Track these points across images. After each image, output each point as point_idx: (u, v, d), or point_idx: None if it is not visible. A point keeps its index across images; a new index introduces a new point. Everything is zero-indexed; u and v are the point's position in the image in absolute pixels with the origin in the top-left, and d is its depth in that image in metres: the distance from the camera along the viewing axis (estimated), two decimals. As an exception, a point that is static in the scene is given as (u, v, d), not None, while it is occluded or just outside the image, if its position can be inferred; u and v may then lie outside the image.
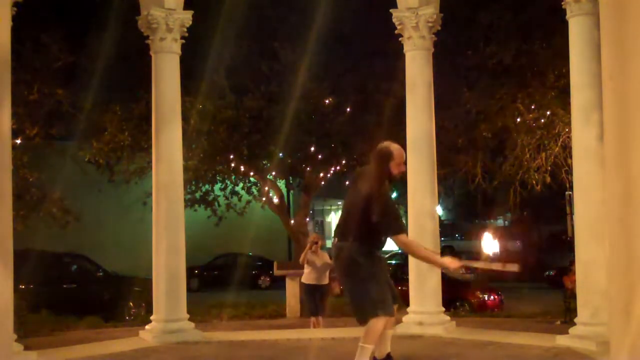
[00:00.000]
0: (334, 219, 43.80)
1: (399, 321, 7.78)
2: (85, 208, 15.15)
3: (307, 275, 10.56)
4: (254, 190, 16.48)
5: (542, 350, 7.07)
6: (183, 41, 8.36)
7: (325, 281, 10.61)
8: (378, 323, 5.43)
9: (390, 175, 5.59)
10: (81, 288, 14.58)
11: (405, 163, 5.72)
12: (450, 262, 5.54)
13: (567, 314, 12.09)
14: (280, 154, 15.14)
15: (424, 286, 8.31)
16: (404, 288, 11.97)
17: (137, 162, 15.17)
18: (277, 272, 14.08)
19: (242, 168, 15.65)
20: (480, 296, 17.09)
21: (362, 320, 5.49)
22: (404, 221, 5.62)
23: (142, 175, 15.12)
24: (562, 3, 7.53)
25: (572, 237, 8.48)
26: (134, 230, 17.17)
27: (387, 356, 5.86)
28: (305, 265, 10.55)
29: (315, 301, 10.54)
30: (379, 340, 5.68)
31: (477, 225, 41.25)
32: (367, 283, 5.49)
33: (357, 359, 5.41)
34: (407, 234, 5.69)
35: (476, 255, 5.88)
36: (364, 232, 5.50)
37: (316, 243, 10.60)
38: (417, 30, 8.39)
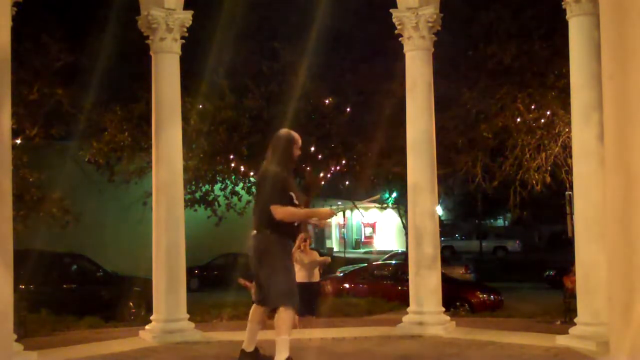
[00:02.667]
0: (333, 218, 43.82)
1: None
2: (85, 208, 15.14)
3: (297, 274, 10.59)
4: (254, 190, 16.49)
5: (542, 350, 7.06)
6: (183, 41, 8.36)
7: (316, 279, 10.62)
8: (285, 313, 5.74)
9: (293, 158, 6.04)
10: (81, 288, 14.55)
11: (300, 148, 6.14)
12: (323, 211, 6.16)
13: (567, 314, 12.08)
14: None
15: (424, 286, 8.29)
16: (404, 288, 12.00)
17: (137, 162, 15.18)
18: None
19: (242, 168, 15.64)
20: (481, 296, 17.10)
21: (271, 309, 5.91)
22: (289, 198, 5.80)
23: (142, 175, 15.13)
24: (562, 3, 7.53)
25: (572, 237, 8.47)
26: (134, 230, 17.16)
27: (255, 350, 6.07)
28: (294, 264, 10.57)
29: (304, 300, 10.51)
30: (249, 333, 6.05)
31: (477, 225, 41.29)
32: (276, 273, 5.76)
33: (277, 351, 5.70)
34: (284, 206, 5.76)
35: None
36: (272, 220, 5.75)
37: (305, 241, 10.64)
38: (417, 30, 8.39)
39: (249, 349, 6.06)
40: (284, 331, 5.76)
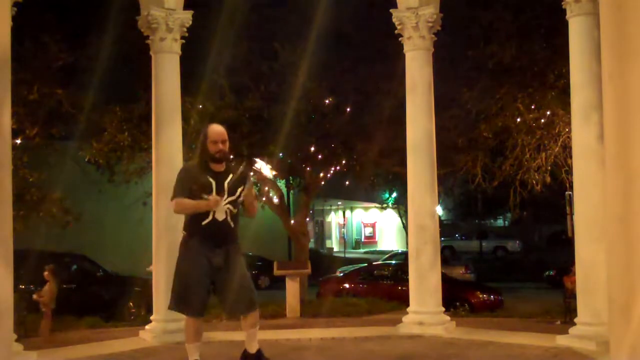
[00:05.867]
0: (334, 218, 43.82)
1: (250, 326, 6.04)
2: (85, 208, 15.13)
3: None
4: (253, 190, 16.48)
5: (542, 350, 7.07)
6: (183, 41, 8.37)
7: None
8: (187, 321, 5.58)
9: (208, 154, 5.53)
10: (81, 288, 14.56)
11: (223, 142, 5.52)
12: (213, 199, 5.45)
13: (567, 314, 12.07)
14: (280, 154, 15.13)
15: (424, 286, 8.30)
16: (404, 288, 12.00)
17: (137, 162, 15.16)
18: (277, 272, 14.05)
19: (242, 168, 15.60)
20: (481, 296, 17.09)
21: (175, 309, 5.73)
22: (186, 189, 5.50)
23: (142, 175, 15.10)
24: (562, 3, 7.53)
25: (572, 237, 8.47)
26: (134, 230, 17.16)
27: (254, 355, 5.79)
28: None
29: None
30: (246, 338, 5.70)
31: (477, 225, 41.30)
32: (175, 274, 5.66)
33: None
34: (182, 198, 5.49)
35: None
36: (185, 220, 5.67)
37: None
38: (417, 30, 8.40)
39: (250, 350, 5.93)
40: (186, 338, 5.63)
